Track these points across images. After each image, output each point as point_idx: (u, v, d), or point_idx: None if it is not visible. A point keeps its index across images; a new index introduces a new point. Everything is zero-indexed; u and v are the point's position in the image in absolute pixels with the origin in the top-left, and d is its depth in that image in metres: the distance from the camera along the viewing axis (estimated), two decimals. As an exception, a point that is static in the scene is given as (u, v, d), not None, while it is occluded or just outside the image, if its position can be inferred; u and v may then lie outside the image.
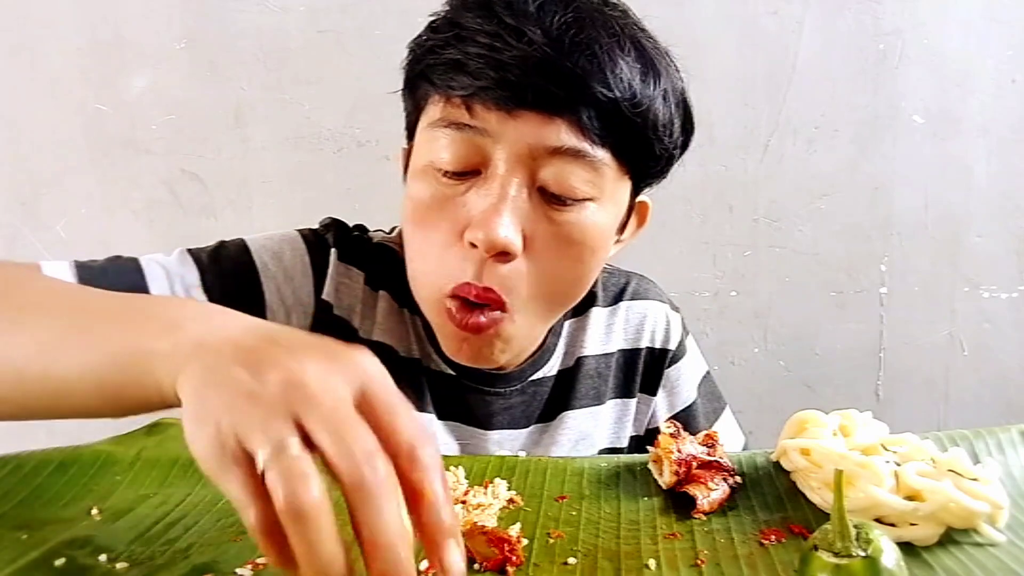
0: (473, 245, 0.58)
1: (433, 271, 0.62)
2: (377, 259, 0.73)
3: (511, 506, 0.54)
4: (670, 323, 0.82)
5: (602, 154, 0.59)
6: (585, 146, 0.58)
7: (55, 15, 1.34)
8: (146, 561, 0.47)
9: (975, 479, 0.51)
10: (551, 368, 0.77)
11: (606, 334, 0.80)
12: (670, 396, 0.82)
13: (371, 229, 0.78)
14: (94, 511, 0.53)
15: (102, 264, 0.64)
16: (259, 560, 0.47)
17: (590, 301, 0.79)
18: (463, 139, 0.58)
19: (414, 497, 0.36)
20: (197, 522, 0.52)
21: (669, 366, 0.82)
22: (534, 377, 0.76)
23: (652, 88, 0.60)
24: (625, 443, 0.81)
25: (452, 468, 0.57)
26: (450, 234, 0.60)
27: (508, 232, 0.57)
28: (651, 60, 0.61)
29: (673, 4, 1.32)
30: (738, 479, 0.56)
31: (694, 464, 0.55)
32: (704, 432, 0.59)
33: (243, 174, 1.39)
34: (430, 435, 0.37)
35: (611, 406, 0.79)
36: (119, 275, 0.62)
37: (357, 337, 0.71)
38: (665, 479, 0.55)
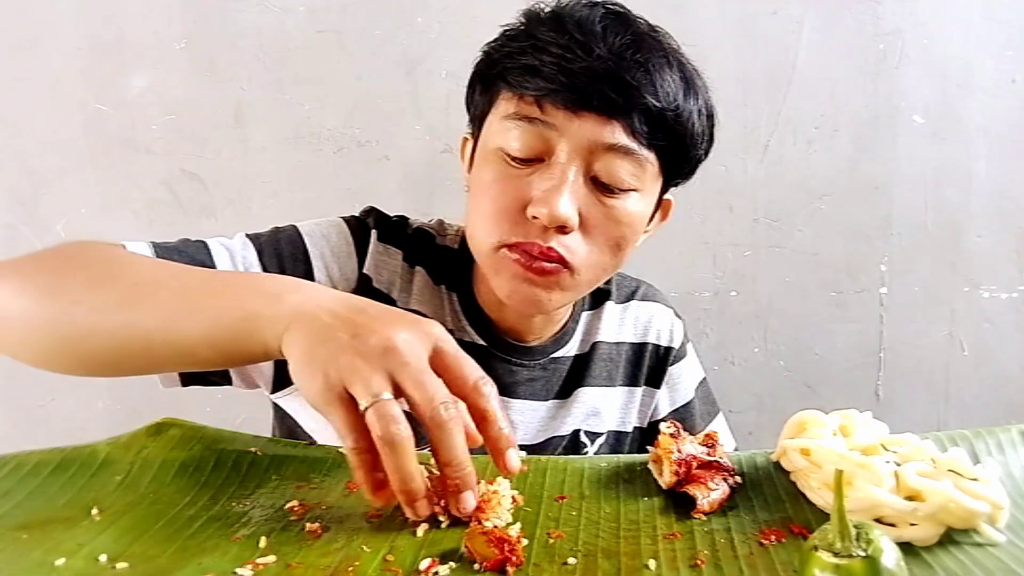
0: (535, 219, 0.67)
1: (497, 227, 0.70)
2: (415, 240, 0.83)
3: (512, 505, 0.54)
4: (674, 326, 0.93)
5: (647, 154, 0.69)
6: (634, 145, 0.68)
7: (55, 15, 1.34)
8: (146, 561, 0.47)
9: (975, 479, 0.51)
10: (570, 350, 0.86)
11: (618, 326, 0.89)
12: (671, 392, 0.92)
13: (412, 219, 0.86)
14: (94, 511, 0.53)
15: (176, 244, 0.73)
16: (259, 560, 0.47)
17: (605, 296, 0.89)
18: (533, 131, 0.68)
19: (480, 417, 0.51)
20: (197, 522, 0.52)
21: (672, 364, 0.91)
22: (555, 355, 0.85)
23: (691, 103, 0.71)
24: (629, 429, 0.90)
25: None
26: (514, 205, 0.69)
27: (567, 208, 0.67)
28: (691, 79, 0.72)
29: (673, 4, 1.32)
30: (738, 479, 0.56)
31: (694, 464, 0.55)
32: (704, 432, 0.59)
33: (243, 174, 1.39)
34: (487, 377, 0.51)
35: (620, 391, 0.89)
36: (191, 254, 0.72)
37: (395, 307, 0.76)
38: (665, 479, 0.55)
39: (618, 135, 0.67)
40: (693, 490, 0.53)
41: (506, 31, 0.73)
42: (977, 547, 0.48)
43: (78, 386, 1.45)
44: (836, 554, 0.39)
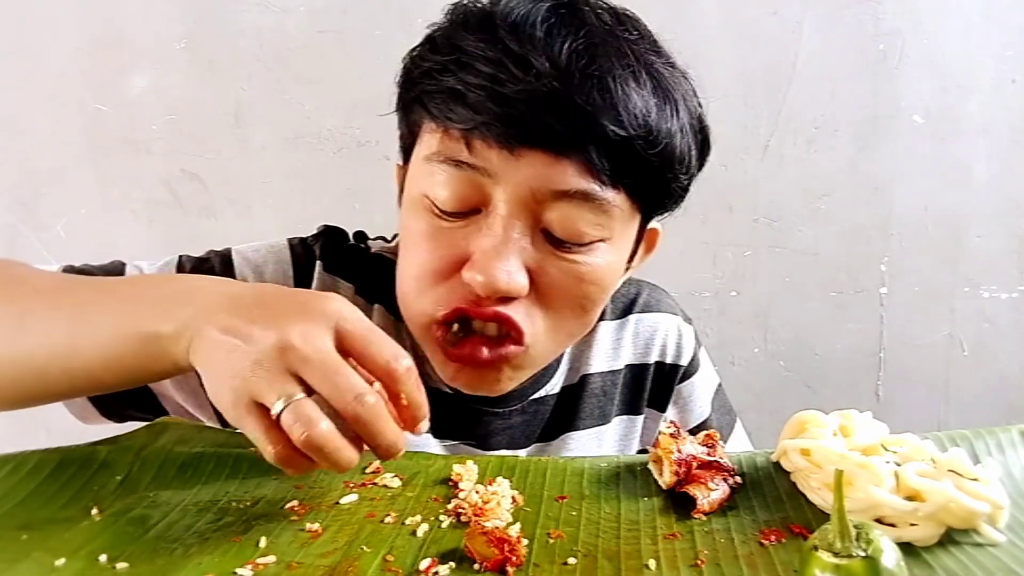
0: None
1: (426, 294, 0.59)
2: (372, 270, 0.71)
3: (512, 506, 0.54)
4: (682, 336, 0.79)
5: (612, 195, 0.56)
6: (594, 188, 0.55)
7: (55, 15, 1.34)
8: (146, 561, 0.47)
9: (975, 479, 0.51)
10: (554, 386, 0.74)
11: (614, 349, 0.76)
12: (682, 412, 0.80)
13: (372, 236, 0.76)
14: (94, 511, 0.53)
15: (91, 268, 0.66)
16: (259, 560, 0.47)
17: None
18: (462, 177, 0.55)
19: (395, 401, 0.47)
20: (197, 522, 0.52)
21: (681, 381, 0.79)
22: (536, 396, 0.73)
23: (669, 122, 0.57)
24: None
25: (465, 464, 0.58)
26: (447, 266, 0.57)
27: (511, 276, 0.55)
28: (668, 90, 0.58)
29: (673, 4, 1.32)
30: (738, 479, 0.56)
31: (694, 464, 0.55)
32: (704, 432, 0.59)
33: (243, 174, 1.39)
34: (400, 351, 0.47)
35: (616, 423, 0.77)
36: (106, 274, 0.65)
37: None
38: (665, 479, 0.55)
39: (570, 178, 0.54)
40: (693, 490, 0.53)
41: (429, 37, 0.60)
42: (977, 547, 0.48)
43: (78, 386, 1.45)
44: (836, 554, 0.39)
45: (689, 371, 0.80)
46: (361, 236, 0.75)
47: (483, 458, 0.60)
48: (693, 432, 0.77)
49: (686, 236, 1.40)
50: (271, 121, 1.37)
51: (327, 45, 1.34)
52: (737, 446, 0.82)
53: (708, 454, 0.57)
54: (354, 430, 0.44)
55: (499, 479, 0.55)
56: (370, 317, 0.68)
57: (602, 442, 0.76)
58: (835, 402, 0.75)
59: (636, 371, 0.77)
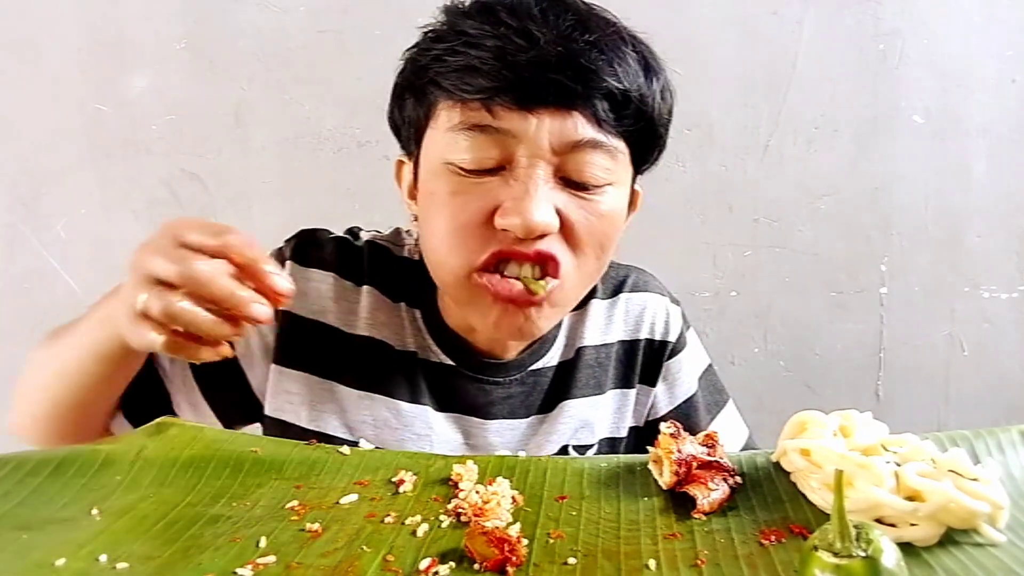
0: (505, 231, 0.61)
1: (463, 247, 0.63)
2: (365, 256, 0.76)
3: (512, 506, 0.54)
4: (670, 315, 0.84)
5: (616, 142, 0.63)
6: (602, 137, 0.62)
7: (56, 15, 1.34)
8: (146, 561, 0.47)
9: (975, 479, 0.51)
10: (551, 359, 0.79)
11: (606, 325, 0.81)
12: (671, 388, 0.83)
13: (366, 229, 0.80)
14: (94, 511, 0.53)
15: None
16: (259, 560, 0.47)
17: (590, 294, 0.79)
18: (486, 140, 0.61)
19: (242, 267, 0.53)
20: (197, 522, 0.52)
21: (669, 358, 0.83)
22: (534, 367, 0.78)
23: (654, 83, 0.65)
24: (624, 433, 0.82)
25: (465, 464, 0.58)
26: (479, 218, 0.62)
27: (543, 213, 0.60)
28: (648, 57, 0.66)
29: (673, 4, 1.32)
30: (738, 479, 0.56)
31: (694, 464, 0.55)
32: (704, 432, 0.59)
33: (243, 174, 1.39)
34: (226, 229, 0.53)
35: (612, 396, 0.81)
36: None
37: (340, 335, 0.74)
38: (665, 479, 0.55)
39: (583, 128, 0.61)
40: (693, 490, 0.53)
41: (428, 32, 0.66)
42: (977, 547, 0.48)
43: (78, 386, 1.45)
44: (836, 554, 0.39)
45: (677, 348, 0.83)
46: (353, 233, 0.79)
47: (483, 458, 0.60)
48: (680, 409, 0.82)
49: (686, 236, 1.40)
50: (271, 121, 1.37)
51: (327, 45, 1.34)
52: (728, 425, 0.85)
53: (708, 454, 0.57)
54: (203, 296, 0.52)
55: (499, 479, 0.55)
56: (358, 300, 0.74)
57: (598, 411, 0.80)
58: (835, 402, 0.75)
59: (627, 346, 0.82)
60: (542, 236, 0.62)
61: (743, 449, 0.83)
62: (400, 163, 0.73)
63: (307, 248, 0.76)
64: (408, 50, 0.68)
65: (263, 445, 0.62)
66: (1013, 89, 1.37)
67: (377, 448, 0.64)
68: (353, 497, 0.55)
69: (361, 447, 0.63)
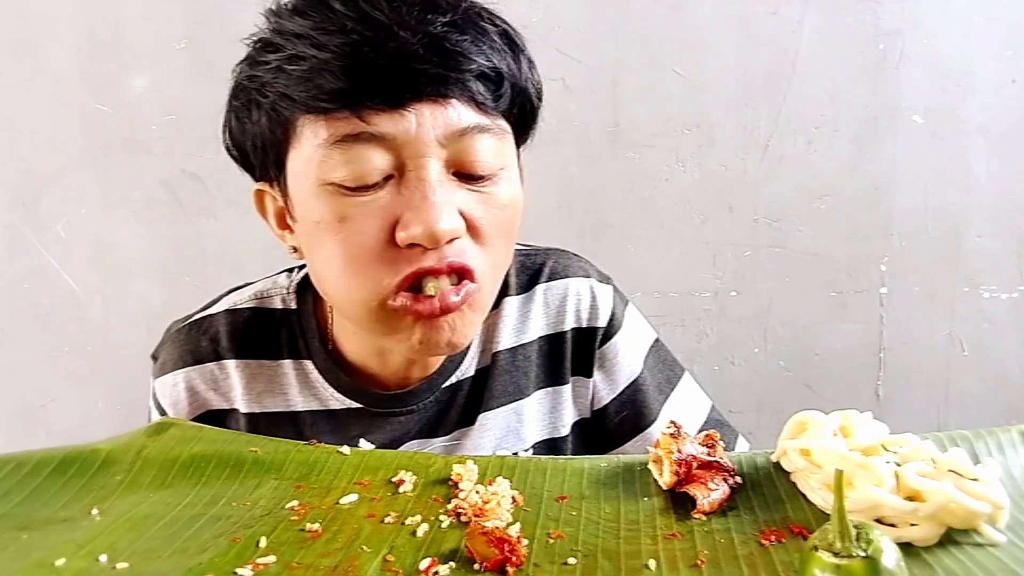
0: (413, 245, 0.57)
1: (371, 276, 0.59)
2: (213, 333, 0.73)
3: (512, 506, 0.54)
4: (596, 298, 0.77)
5: (500, 122, 0.60)
6: (485, 119, 0.59)
7: (55, 15, 1.34)
8: (146, 561, 0.47)
9: (975, 479, 0.51)
10: (467, 370, 0.74)
11: (521, 323, 0.75)
12: (609, 375, 0.77)
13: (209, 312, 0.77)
14: (94, 511, 0.53)
15: None
16: (259, 560, 0.47)
17: (502, 291, 0.73)
18: (364, 150, 0.56)
19: None
20: (197, 522, 0.52)
21: (602, 344, 0.77)
22: (448, 383, 0.73)
23: (521, 56, 0.62)
24: (566, 431, 0.77)
25: (465, 464, 0.58)
26: (380, 239, 0.58)
27: (448, 218, 0.57)
28: (509, 29, 0.62)
29: (673, 4, 1.32)
30: (738, 479, 0.56)
31: (694, 464, 0.55)
32: (704, 432, 0.59)
33: (243, 174, 1.38)
34: None
35: (538, 397, 0.76)
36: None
37: (224, 414, 0.73)
38: (665, 479, 0.55)
39: (464, 115, 0.57)
40: (693, 490, 0.53)
41: (256, 42, 0.61)
42: (977, 547, 0.48)
43: (78, 386, 1.45)
44: (836, 554, 0.39)
45: (609, 332, 0.77)
46: (204, 311, 0.77)
47: (483, 458, 0.60)
48: (625, 393, 0.77)
49: (686, 236, 1.40)
50: (271, 121, 1.37)
51: (327, 45, 1.34)
52: (685, 403, 0.79)
53: (708, 454, 0.57)
54: None
55: (499, 479, 0.55)
56: (227, 376, 0.72)
57: (522, 417, 0.75)
58: (835, 402, 0.75)
59: (552, 340, 0.76)
60: (451, 241, 0.58)
61: (706, 422, 0.78)
62: (260, 192, 0.67)
63: (160, 357, 0.75)
64: (239, 64, 0.63)
65: (263, 445, 0.62)
66: (1013, 89, 1.37)
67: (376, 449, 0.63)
68: (353, 497, 0.55)
69: (361, 447, 0.63)
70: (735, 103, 1.36)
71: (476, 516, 0.51)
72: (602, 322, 0.77)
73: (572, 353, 0.76)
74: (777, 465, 0.59)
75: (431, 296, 0.59)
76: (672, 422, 0.59)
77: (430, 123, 0.56)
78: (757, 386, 1.45)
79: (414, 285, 0.59)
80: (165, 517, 0.53)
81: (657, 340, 0.81)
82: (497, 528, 0.48)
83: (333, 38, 0.55)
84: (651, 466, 0.58)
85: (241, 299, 0.75)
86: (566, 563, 0.47)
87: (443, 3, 0.58)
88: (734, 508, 0.54)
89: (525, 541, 0.48)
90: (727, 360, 1.44)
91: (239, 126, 0.65)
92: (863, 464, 0.51)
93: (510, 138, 0.63)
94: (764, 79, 1.36)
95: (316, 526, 0.51)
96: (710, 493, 0.53)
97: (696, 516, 0.52)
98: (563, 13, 1.31)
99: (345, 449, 0.62)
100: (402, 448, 0.72)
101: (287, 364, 0.72)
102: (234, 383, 0.72)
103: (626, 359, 0.78)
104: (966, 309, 1.43)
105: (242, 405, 0.72)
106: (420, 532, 0.50)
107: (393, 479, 0.57)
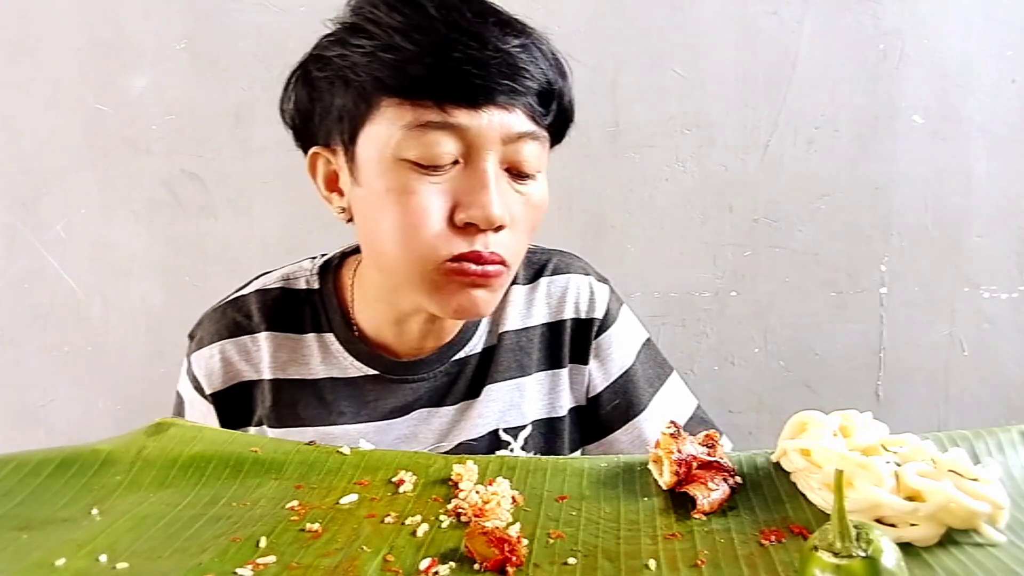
0: (469, 225, 0.66)
1: (427, 243, 0.67)
2: (254, 307, 0.81)
3: (512, 506, 0.54)
4: (594, 293, 0.85)
5: (543, 133, 0.70)
6: (536, 128, 0.68)
7: (55, 15, 1.34)
8: (146, 561, 0.47)
9: (975, 479, 0.51)
10: (475, 346, 0.82)
11: (526, 309, 0.84)
12: (603, 364, 0.85)
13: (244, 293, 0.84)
14: (94, 511, 0.53)
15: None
16: (259, 560, 0.47)
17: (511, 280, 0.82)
18: (440, 137, 0.65)
19: None
20: (197, 522, 0.52)
21: (598, 335, 0.85)
22: (458, 357, 0.81)
23: (567, 78, 0.72)
24: (563, 412, 0.84)
25: (465, 464, 0.58)
26: (441, 215, 0.66)
27: (502, 208, 0.66)
28: (557, 53, 0.72)
29: (673, 4, 1.32)
30: (738, 479, 0.56)
31: (694, 464, 0.55)
32: (704, 432, 0.59)
33: (243, 174, 1.39)
34: None
35: (539, 378, 0.84)
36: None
37: (253, 384, 0.81)
38: (665, 479, 0.55)
39: (523, 122, 0.67)
40: (693, 490, 0.53)
41: (343, 23, 0.70)
42: (977, 547, 0.48)
43: (78, 386, 1.45)
44: (836, 554, 0.39)
45: (605, 324, 0.85)
46: (239, 292, 0.84)
47: (483, 458, 0.60)
48: (618, 383, 0.84)
49: (686, 236, 1.39)
50: (271, 121, 1.35)
51: (327, 45, 1.34)
52: (672, 398, 0.87)
53: (708, 454, 0.57)
54: None
55: (499, 479, 0.55)
56: (258, 347, 0.80)
57: (524, 393, 0.83)
58: (835, 402, 0.75)
59: (552, 328, 0.84)
60: (498, 229, 0.67)
61: (691, 419, 0.86)
62: (315, 156, 0.74)
63: (196, 335, 0.83)
64: (324, 38, 0.71)
65: (263, 445, 0.63)
66: (1013, 89, 1.37)
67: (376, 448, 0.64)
68: (353, 497, 0.55)
69: (361, 447, 0.63)
70: (735, 103, 1.35)
71: (476, 516, 0.51)
72: (598, 315, 0.85)
73: (570, 341, 0.84)
74: (777, 465, 0.59)
75: (475, 269, 0.68)
76: (672, 422, 0.59)
77: (497, 124, 0.65)
78: (757, 386, 1.45)
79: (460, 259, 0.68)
80: (165, 517, 0.53)
81: (648, 339, 0.89)
82: (497, 528, 0.48)
83: (427, 37, 0.63)
84: (651, 466, 0.59)
85: (270, 281, 0.84)
86: (566, 563, 0.47)
87: (516, 27, 0.68)
88: (734, 508, 0.54)
89: (525, 541, 0.48)
90: (727, 360, 1.44)
91: (312, 93, 0.72)
92: (863, 464, 0.51)
93: (547, 145, 0.72)
94: (764, 79, 1.36)
95: (316, 526, 0.51)
96: (710, 493, 0.53)
97: (696, 516, 0.52)
98: (563, 13, 1.31)
99: (345, 449, 0.62)
100: (412, 415, 0.80)
101: (310, 337, 0.81)
102: (264, 354, 0.80)
103: (619, 351, 0.85)
104: (966, 309, 1.43)
105: (268, 373, 0.80)
106: (420, 532, 0.50)
107: (393, 479, 0.57)
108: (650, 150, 1.35)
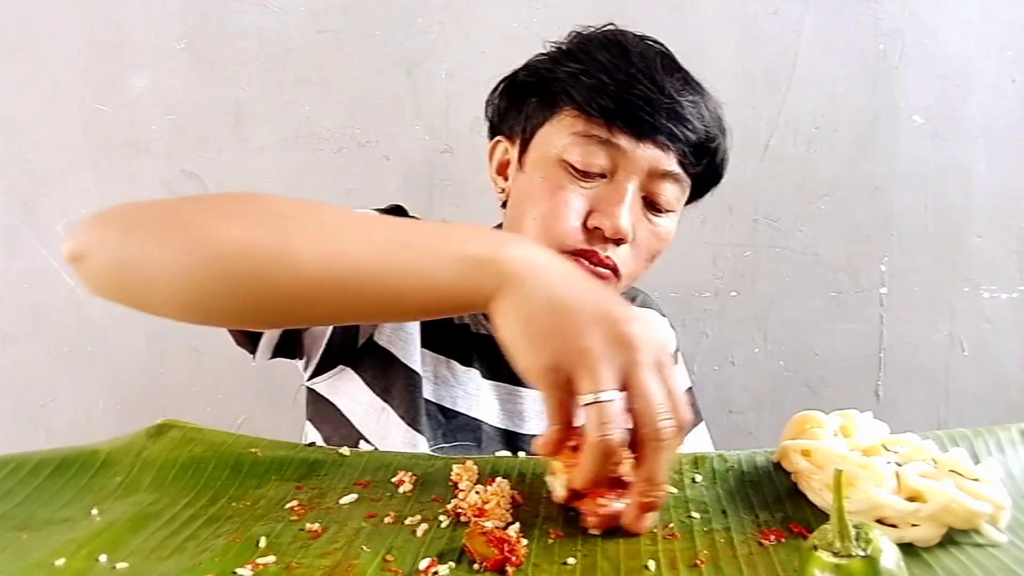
0: (597, 229, 0.73)
1: (561, 232, 0.74)
2: None
3: (511, 506, 0.53)
4: (669, 335, 0.99)
5: (686, 179, 0.77)
6: (682, 173, 0.76)
7: (55, 15, 1.34)
8: (146, 561, 0.47)
9: (976, 479, 0.51)
10: None
11: None
12: None
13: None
14: (94, 511, 0.53)
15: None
16: (259, 560, 0.47)
17: None
18: (600, 151, 0.73)
19: (642, 462, 0.48)
20: (197, 522, 0.52)
21: None
22: None
23: (724, 136, 0.80)
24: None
25: (465, 464, 0.58)
26: (576, 214, 0.74)
27: (628, 222, 0.73)
28: (719, 111, 0.80)
29: (673, 5, 1.32)
30: (660, 494, 0.50)
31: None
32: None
33: (243, 174, 1.39)
34: (670, 424, 0.47)
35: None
36: None
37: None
38: (558, 493, 0.53)
39: (672, 163, 0.74)
40: (583, 506, 0.51)
41: (560, 47, 0.80)
42: (978, 548, 0.48)
43: (78, 386, 1.45)
44: (836, 554, 0.39)
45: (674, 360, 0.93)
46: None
47: (483, 458, 0.60)
48: None
49: (686, 236, 1.39)
50: (271, 121, 1.37)
51: (327, 45, 1.34)
52: (694, 445, 0.94)
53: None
54: (642, 446, 0.47)
55: (499, 479, 0.55)
56: None
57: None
58: (835, 402, 0.75)
59: None
60: (620, 241, 0.74)
61: None
62: (496, 143, 0.84)
63: None
64: (538, 56, 0.80)
65: (263, 445, 0.63)
66: (1013, 89, 1.37)
67: (376, 449, 0.64)
68: (353, 497, 0.55)
69: (361, 448, 0.63)
70: (735, 103, 1.35)
71: (476, 516, 0.51)
72: (672, 351, 0.95)
73: None
74: (777, 465, 0.59)
75: (588, 266, 0.74)
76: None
77: (650, 156, 0.73)
78: (757, 386, 1.45)
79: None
80: (165, 517, 0.53)
81: (690, 387, 1.01)
82: (497, 528, 0.48)
83: (620, 73, 0.73)
84: (547, 478, 0.56)
85: None
86: (565, 563, 0.47)
87: (693, 85, 0.77)
88: (734, 508, 0.53)
89: (525, 541, 0.48)
90: (727, 360, 1.44)
91: (515, 93, 0.82)
92: (864, 464, 0.51)
93: (687, 191, 0.79)
94: (764, 79, 1.36)
95: (316, 526, 0.51)
96: (598, 509, 0.50)
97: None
98: (563, 13, 1.31)
99: (345, 450, 0.62)
100: (526, 397, 0.86)
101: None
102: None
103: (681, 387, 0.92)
104: (966, 309, 1.43)
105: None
106: (419, 532, 0.50)
107: (393, 479, 0.57)
108: (650, 150, 1.35)
